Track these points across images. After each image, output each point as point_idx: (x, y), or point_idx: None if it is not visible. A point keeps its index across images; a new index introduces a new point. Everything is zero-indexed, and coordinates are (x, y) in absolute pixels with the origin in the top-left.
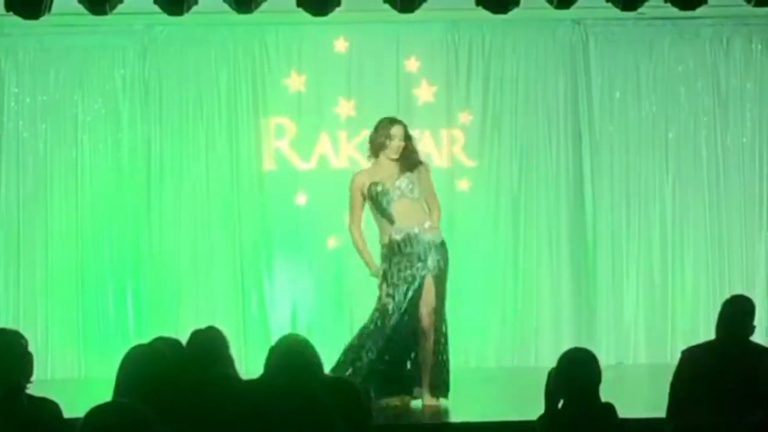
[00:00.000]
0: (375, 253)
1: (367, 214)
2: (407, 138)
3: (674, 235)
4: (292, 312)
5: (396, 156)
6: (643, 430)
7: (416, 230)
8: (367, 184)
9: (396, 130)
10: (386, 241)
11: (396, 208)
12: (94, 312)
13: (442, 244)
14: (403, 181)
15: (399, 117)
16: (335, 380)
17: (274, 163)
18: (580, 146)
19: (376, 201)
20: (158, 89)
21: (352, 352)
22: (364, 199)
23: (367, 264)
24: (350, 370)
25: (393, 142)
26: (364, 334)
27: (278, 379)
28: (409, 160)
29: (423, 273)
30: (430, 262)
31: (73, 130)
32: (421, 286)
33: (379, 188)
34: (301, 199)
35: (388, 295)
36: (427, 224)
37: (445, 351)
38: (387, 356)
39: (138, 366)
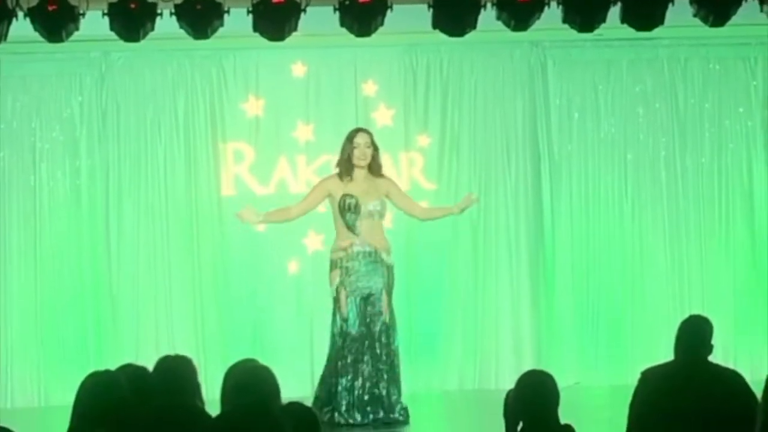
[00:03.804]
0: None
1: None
2: (374, 147)
3: (634, 254)
4: (251, 337)
5: (364, 162)
6: None
7: (377, 249)
8: (340, 194)
9: (360, 138)
10: (347, 245)
11: (362, 225)
12: (54, 339)
13: (393, 267)
14: (376, 204)
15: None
16: (292, 405)
17: (233, 189)
18: (539, 167)
19: (344, 214)
20: (116, 116)
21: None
22: (323, 200)
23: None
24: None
25: (358, 150)
26: (332, 357)
27: (237, 405)
28: (377, 171)
29: (380, 287)
30: (387, 279)
31: (30, 158)
32: (378, 300)
33: (352, 202)
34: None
35: (347, 305)
36: (386, 248)
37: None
38: (356, 373)
39: (93, 393)
